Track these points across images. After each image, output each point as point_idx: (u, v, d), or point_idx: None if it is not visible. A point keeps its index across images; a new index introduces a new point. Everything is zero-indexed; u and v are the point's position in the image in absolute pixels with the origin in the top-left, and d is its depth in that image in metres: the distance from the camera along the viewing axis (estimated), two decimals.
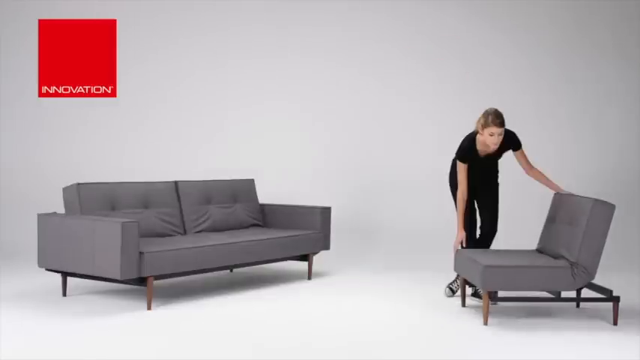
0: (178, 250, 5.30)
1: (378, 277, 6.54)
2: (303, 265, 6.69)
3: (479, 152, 5.47)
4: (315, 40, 8.31)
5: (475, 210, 5.67)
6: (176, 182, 6.29)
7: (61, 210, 5.90)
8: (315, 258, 6.61)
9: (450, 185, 5.76)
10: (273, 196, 7.35)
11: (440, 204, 7.13)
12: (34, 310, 5.06)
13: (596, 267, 4.87)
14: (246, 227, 6.61)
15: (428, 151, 8.02)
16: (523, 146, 5.50)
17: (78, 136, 8.42)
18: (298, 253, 6.34)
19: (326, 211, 6.60)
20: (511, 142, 5.44)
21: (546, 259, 5.03)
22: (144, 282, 5.10)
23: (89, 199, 5.56)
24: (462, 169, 5.49)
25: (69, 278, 5.55)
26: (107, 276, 5.05)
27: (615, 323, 4.86)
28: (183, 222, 6.16)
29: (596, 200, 4.90)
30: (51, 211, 6.03)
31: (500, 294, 5.21)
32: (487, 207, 5.63)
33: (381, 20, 8.22)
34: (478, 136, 5.40)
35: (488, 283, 4.80)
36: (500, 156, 5.58)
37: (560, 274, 4.81)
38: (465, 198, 5.48)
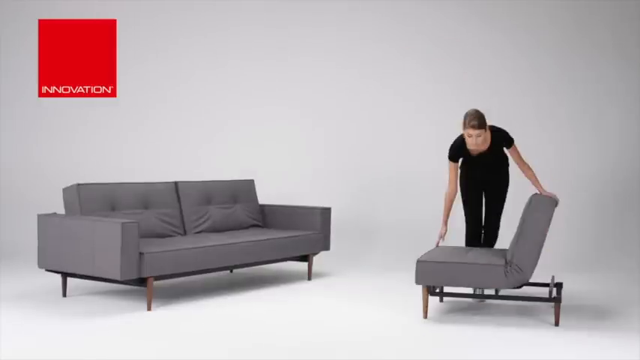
0: (178, 250, 5.30)
1: (378, 278, 6.55)
2: (303, 265, 6.69)
3: (470, 151, 5.45)
4: (315, 41, 8.30)
5: (482, 206, 5.64)
6: (176, 183, 6.29)
7: (61, 210, 5.90)
8: (315, 259, 6.61)
9: None
10: (273, 197, 7.35)
11: (440, 205, 7.11)
12: (34, 311, 5.07)
13: (533, 266, 4.75)
14: (246, 228, 6.60)
15: (428, 151, 8.01)
16: (523, 146, 5.46)
17: (78, 136, 8.42)
18: (298, 254, 6.34)
19: (326, 212, 6.60)
20: (502, 140, 5.39)
21: (483, 256, 4.94)
22: (144, 282, 5.10)
23: (89, 200, 5.56)
24: (451, 168, 5.46)
25: (69, 279, 5.55)
26: (107, 276, 5.05)
27: (557, 324, 4.81)
28: (183, 222, 6.16)
29: (535, 195, 4.78)
30: (51, 211, 6.03)
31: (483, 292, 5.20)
32: (490, 207, 5.61)
33: (380, 21, 8.21)
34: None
35: (421, 277, 4.84)
36: (495, 155, 5.49)
37: (492, 271, 4.75)
38: (452, 198, 5.48)
